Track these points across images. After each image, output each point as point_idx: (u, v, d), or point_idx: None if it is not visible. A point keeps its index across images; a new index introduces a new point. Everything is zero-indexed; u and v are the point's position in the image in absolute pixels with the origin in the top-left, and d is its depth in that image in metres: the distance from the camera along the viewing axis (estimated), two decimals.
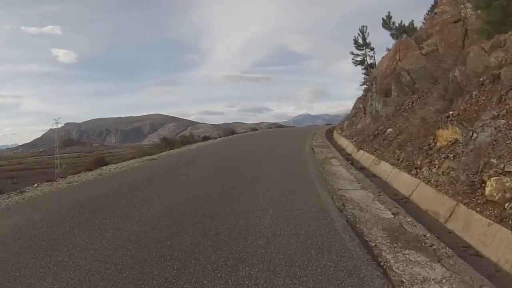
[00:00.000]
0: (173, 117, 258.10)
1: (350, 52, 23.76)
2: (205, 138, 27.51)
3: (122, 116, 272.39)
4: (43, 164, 63.99)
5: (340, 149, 13.20)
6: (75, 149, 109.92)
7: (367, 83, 16.99)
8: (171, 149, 17.46)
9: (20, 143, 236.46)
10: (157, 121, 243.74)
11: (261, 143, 17.44)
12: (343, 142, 14.65)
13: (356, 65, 24.29)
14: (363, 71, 23.90)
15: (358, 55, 24.02)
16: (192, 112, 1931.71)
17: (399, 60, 12.51)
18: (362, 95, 17.24)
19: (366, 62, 23.78)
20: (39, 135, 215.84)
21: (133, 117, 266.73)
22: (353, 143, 11.95)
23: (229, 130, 45.39)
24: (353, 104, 21.07)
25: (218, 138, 27.23)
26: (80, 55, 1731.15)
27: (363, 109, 15.39)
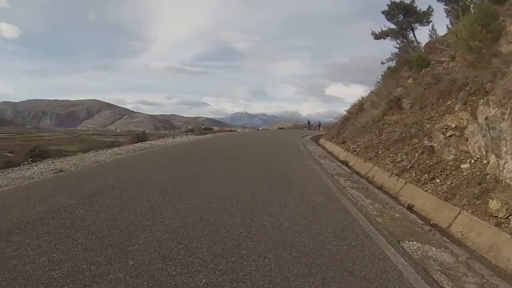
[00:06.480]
0: (109, 104, 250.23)
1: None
2: None
3: (59, 99, 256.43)
4: None
5: None
6: (6, 130, 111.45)
7: None
8: None
9: None
10: (93, 107, 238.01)
11: None
12: None
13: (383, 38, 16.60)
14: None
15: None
16: (129, 100, 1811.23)
17: None
18: None
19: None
20: None
21: (69, 101, 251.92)
22: None
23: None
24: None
25: None
26: (24, 31, 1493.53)
27: None
